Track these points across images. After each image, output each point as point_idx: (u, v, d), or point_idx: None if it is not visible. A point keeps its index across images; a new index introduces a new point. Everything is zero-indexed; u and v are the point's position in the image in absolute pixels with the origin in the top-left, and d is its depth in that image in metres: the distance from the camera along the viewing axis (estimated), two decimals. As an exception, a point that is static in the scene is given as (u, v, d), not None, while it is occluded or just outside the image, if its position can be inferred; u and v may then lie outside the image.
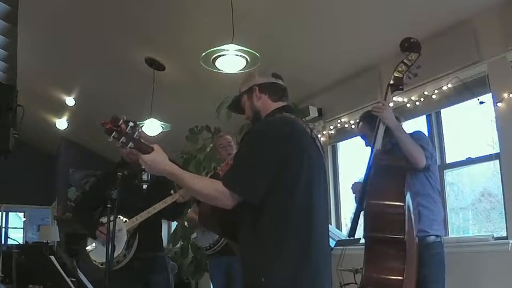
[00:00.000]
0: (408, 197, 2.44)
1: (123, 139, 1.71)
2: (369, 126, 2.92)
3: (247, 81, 2.07)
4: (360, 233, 2.85)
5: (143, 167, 1.77)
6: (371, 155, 2.72)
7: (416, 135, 2.80)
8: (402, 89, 2.80)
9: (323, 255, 1.83)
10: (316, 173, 1.87)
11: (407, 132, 2.77)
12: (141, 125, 5.18)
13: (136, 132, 1.73)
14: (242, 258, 1.83)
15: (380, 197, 2.44)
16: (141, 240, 3.05)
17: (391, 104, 2.98)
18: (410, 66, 2.74)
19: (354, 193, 2.96)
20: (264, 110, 2.00)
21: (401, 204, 2.36)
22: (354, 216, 2.73)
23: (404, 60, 2.75)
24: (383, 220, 2.37)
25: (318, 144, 1.97)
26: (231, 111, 2.23)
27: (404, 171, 2.53)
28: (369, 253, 2.41)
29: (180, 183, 1.80)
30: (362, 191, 2.67)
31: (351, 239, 3.51)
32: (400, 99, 4.27)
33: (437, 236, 2.73)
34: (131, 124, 1.72)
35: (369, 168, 2.69)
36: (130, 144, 1.72)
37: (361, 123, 3.04)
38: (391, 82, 2.77)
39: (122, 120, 1.70)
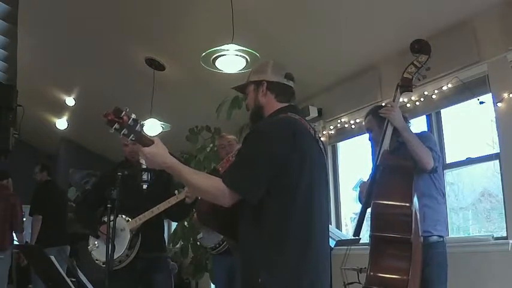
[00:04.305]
0: (415, 197, 2.44)
1: (124, 131, 1.69)
2: (376, 120, 2.90)
3: (258, 72, 2.03)
4: (362, 232, 2.85)
5: (144, 166, 1.76)
6: (378, 154, 2.71)
7: (423, 136, 2.79)
8: (411, 90, 2.80)
9: (322, 256, 1.83)
10: (318, 174, 1.87)
11: (413, 132, 2.77)
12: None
13: (138, 125, 1.71)
14: (241, 257, 1.82)
15: (387, 197, 2.44)
16: (144, 240, 3.04)
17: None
18: (420, 68, 2.73)
19: (360, 192, 2.95)
20: (268, 108, 1.98)
21: (408, 205, 2.36)
22: (360, 215, 2.73)
23: (414, 62, 2.74)
24: (390, 220, 2.37)
25: (321, 146, 1.97)
26: (235, 90, 2.19)
27: (411, 172, 2.53)
28: (375, 253, 2.40)
29: (179, 177, 1.78)
30: (368, 190, 2.67)
31: (350, 239, 3.52)
32: (400, 99, 4.26)
33: (440, 236, 2.73)
34: (133, 117, 1.70)
35: (376, 167, 2.69)
36: (132, 136, 1.70)
37: (369, 116, 3.02)
38: (400, 83, 2.76)
39: (124, 112, 1.68)
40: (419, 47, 2.75)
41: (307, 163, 1.81)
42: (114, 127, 1.68)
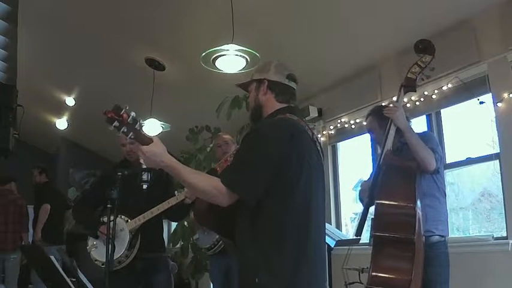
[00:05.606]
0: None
1: (124, 129, 1.68)
2: (377, 121, 2.89)
3: (261, 71, 2.04)
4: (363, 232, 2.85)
5: (144, 166, 1.75)
6: (380, 154, 2.70)
7: (425, 136, 2.77)
8: (415, 90, 2.80)
9: (319, 257, 1.84)
10: (315, 175, 1.87)
11: (415, 132, 2.76)
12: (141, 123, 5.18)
13: (137, 124, 1.70)
14: (239, 257, 1.82)
15: (391, 197, 2.44)
16: (144, 241, 3.03)
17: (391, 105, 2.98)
18: (424, 68, 2.73)
19: (361, 192, 2.94)
20: (267, 107, 1.98)
21: (412, 205, 2.36)
22: (361, 215, 2.72)
23: (418, 62, 2.74)
24: (393, 220, 2.36)
25: (318, 147, 1.96)
26: (239, 87, 2.17)
27: (414, 172, 2.53)
28: (377, 252, 2.40)
29: (177, 176, 1.77)
30: (371, 190, 2.66)
31: (350, 239, 3.52)
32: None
33: (441, 236, 2.73)
34: (133, 115, 1.69)
35: (378, 168, 2.68)
36: (131, 134, 1.69)
37: (370, 117, 3.01)
38: (404, 83, 2.76)
39: (124, 110, 1.67)
40: (423, 47, 2.74)
41: (305, 164, 1.80)
42: (113, 125, 1.67)
